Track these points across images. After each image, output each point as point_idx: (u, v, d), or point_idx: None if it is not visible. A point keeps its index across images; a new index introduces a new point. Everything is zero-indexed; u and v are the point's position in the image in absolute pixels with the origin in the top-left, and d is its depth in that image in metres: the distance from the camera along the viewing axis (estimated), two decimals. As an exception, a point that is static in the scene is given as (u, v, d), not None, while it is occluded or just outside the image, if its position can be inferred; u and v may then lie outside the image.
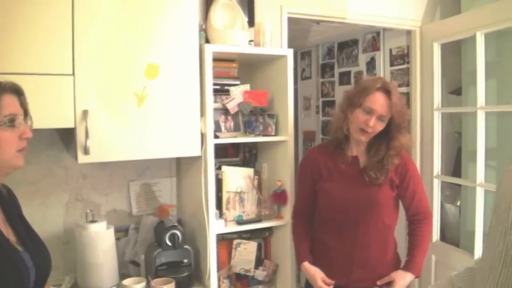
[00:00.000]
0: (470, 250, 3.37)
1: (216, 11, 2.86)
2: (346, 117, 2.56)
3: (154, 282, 2.54)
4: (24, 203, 1.85)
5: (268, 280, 3.07)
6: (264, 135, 2.96)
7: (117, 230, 2.82)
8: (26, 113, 1.64)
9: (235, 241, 3.02)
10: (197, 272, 2.84)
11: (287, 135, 2.97)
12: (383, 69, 4.56)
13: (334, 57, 5.43)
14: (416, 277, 2.62)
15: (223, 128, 2.89)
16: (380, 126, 2.48)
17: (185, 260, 2.76)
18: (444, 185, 3.88)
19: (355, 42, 5.05)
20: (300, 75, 6.07)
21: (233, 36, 2.80)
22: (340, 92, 4.86)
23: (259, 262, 3.07)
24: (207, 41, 2.82)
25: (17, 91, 1.62)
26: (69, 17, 2.30)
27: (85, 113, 2.33)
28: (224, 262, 3.01)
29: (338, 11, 3.56)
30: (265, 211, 2.99)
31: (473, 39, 3.33)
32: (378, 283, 2.56)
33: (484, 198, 3.28)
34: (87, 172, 2.88)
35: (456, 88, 3.96)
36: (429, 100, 3.83)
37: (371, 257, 2.57)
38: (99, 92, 2.38)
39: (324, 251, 2.67)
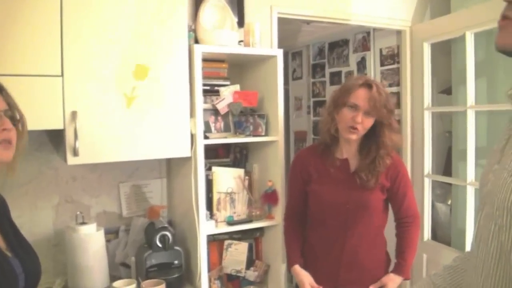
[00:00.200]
0: (461, 248, 3.38)
1: (205, 12, 2.85)
2: (333, 119, 2.56)
3: (145, 283, 2.53)
4: (14, 205, 1.83)
5: (259, 281, 3.06)
6: (254, 136, 2.96)
7: (107, 232, 2.80)
8: (11, 107, 1.62)
9: (226, 242, 3.02)
10: (188, 273, 2.83)
11: (277, 135, 2.96)
12: (374, 69, 4.57)
13: (325, 57, 5.44)
14: (405, 279, 2.64)
15: (213, 129, 2.88)
16: (368, 122, 2.47)
17: (176, 262, 2.75)
18: (435, 184, 3.90)
19: (345, 42, 5.06)
20: (291, 76, 6.07)
21: (222, 36, 2.79)
22: (331, 92, 4.87)
23: (250, 263, 3.07)
24: (197, 41, 2.81)
25: None
26: (57, 18, 2.28)
27: (74, 114, 2.32)
28: (215, 263, 3.00)
29: (328, 11, 3.56)
30: (256, 211, 2.98)
31: (462, 38, 3.35)
32: (371, 287, 2.57)
33: (474, 197, 3.29)
34: (77, 173, 2.86)
35: (446, 87, 3.97)
36: (420, 100, 3.85)
37: (360, 259, 2.57)
38: (88, 93, 2.37)
39: (312, 253, 2.67)
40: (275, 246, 3.03)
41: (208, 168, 2.91)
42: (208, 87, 2.90)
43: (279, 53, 2.95)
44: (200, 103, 2.68)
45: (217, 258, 3.02)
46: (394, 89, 4.21)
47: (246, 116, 2.97)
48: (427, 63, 3.79)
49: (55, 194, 2.82)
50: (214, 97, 2.94)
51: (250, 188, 3.06)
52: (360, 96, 2.46)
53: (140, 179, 3.07)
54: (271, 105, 3.00)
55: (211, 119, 2.89)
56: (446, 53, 3.85)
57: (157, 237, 2.65)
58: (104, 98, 2.41)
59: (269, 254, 3.11)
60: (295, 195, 2.76)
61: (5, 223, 1.69)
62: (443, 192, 4.02)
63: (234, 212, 2.99)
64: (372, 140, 2.54)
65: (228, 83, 3.01)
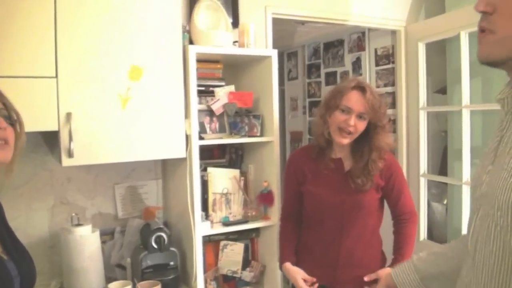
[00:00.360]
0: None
1: (199, 12, 2.86)
2: (325, 121, 2.53)
3: (140, 285, 2.53)
4: (9, 207, 1.82)
5: (255, 281, 3.06)
6: (249, 136, 2.95)
7: (102, 234, 2.80)
8: (6, 107, 1.61)
9: (222, 243, 3.01)
10: (183, 274, 2.83)
11: (272, 136, 2.96)
12: (369, 69, 4.57)
13: (320, 57, 5.45)
14: None
15: (208, 130, 2.88)
16: (361, 125, 2.46)
17: (172, 263, 2.74)
18: (431, 184, 3.90)
19: (340, 42, 5.07)
20: (287, 76, 6.08)
21: (217, 37, 2.79)
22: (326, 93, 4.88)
23: (246, 263, 3.06)
24: (191, 42, 2.81)
25: None
26: (51, 19, 2.28)
27: (68, 115, 2.32)
28: (211, 263, 3.00)
29: (323, 12, 3.57)
30: (251, 212, 2.98)
31: (457, 38, 3.35)
32: (365, 278, 2.56)
33: (470, 196, 3.29)
34: (72, 175, 2.86)
35: (441, 87, 3.98)
36: (415, 100, 3.85)
37: (357, 257, 2.57)
38: (83, 94, 2.36)
39: (309, 254, 2.67)
40: (271, 247, 3.03)
41: (204, 169, 2.91)
42: (203, 88, 2.90)
43: (274, 54, 2.95)
44: (195, 104, 2.68)
45: (213, 259, 3.01)
46: (389, 89, 4.22)
47: (241, 116, 2.97)
48: (422, 63, 3.79)
49: (50, 196, 2.82)
50: (209, 98, 2.94)
51: (245, 188, 3.06)
52: (352, 99, 2.44)
53: (135, 180, 3.06)
54: (266, 106, 3.00)
55: (206, 119, 2.88)
56: (441, 52, 3.86)
57: (153, 238, 2.65)
58: (99, 99, 2.41)
59: (265, 255, 3.11)
60: (290, 196, 2.76)
61: (0, 225, 1.69)
62: (439, 191, 4.02)
63: (230, 213, 2.99)
64: (365, 142, 2.52)
65: (223, 83, 3.01)
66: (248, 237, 3.11)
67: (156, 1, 2.54)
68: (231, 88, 2.99)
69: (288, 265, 2.65)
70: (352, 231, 2.55)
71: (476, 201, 1.25)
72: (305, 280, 2.57)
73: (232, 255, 3.01)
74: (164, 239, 2.67)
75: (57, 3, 2.28)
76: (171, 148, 2.63)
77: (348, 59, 4.93)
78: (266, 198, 2.99)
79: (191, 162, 2.67)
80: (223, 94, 2.93)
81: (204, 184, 2.89)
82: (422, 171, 3.81)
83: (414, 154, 3.88)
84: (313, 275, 2.59)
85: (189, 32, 2.84)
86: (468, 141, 3.35)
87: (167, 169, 3.09)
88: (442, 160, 4.07)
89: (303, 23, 4.54)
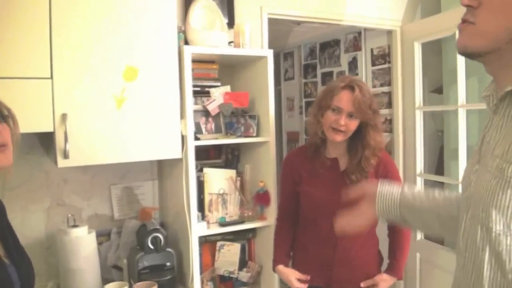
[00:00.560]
0: (454, 247, 3.38)
1: (195, 13, 2.85)
2: (318, 121, 2.56)
3: (137, 286, 2.52)
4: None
5: (252, 282, 3.06)
6: (245, 136, 2.95)
7: (99, 235, 2.80)
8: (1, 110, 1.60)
9: (219, 243, 3.01)
10: (180, 275, 2.83)
11: (268, 136, 2.96)
12: (365, 69, 4.58)
13: (316, 57, 5.45)
14: (398, 279, 2.66)
15: (204, 130, 2.88)
16: (352, 124, 2.47)
17: (168, 263, 2.74)
18: (427, 183, 3.90)
19: (337, 42, 5.07)
20: (283, 76, 6.08)
21: (212, 37, 2.79)
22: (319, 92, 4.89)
23: (243, 264, 3.07)
24: (187, 42, 2.81)
25: None
26: (46, 20, 2.27)
27: (64, 116, 2.31)
28: (208, 264, 3.00)
29: (318, 12, 3.57)
30: (248, 212, 2.98)
31: (453, 38, 3.35)
32: (362, 285, 2.58)
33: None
34: (68, 176, 2.85)
35: (438, 86, 3.98)
36: (411, 99, 3.85)
37: (352, 257, 2.57)
38: (78, 95, 2.36)
39: (304, 253, 2.68)
40: (267, 247, 3.02)
41: (200, 170, 2.90)
42: (198, 88, 2.90)
43: (270, 54, 2.95)
44: (191, 104, 2.67)
45: (209, 260, 3.01)
46: (385, 88, 4.22)
47: (237, 117, 2.97)
48: (418, 63, 3.79)
49: (46, 197, 2.81)
50: (204, 98, 2.94)
51: (242, 189, 3.06)
52: (343, 99, 2.46)
53: (131, 181, 3.06)
54: (262, 106, 3.00)
55: (202, 120, 2.88)
56: (436, 52, 3.86)
57: (149, 239, 2.64)
58: (94, 100, 2.40)
59: (262, 255, 3.11)
60: (286, 196, 2.77)
61: (4, 228, 1.68)
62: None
63: (226, 213, 2.99)
64: (358, 140, 2.54)
65: (218, 84, 3.00)
66: (245, 238, 3.11)
67: (151, 1, 2.54)
68: (227, 88, 2.99)
69: (281, 267, 2.67)
70: None
71: (465, 200, 1.25)
72: (300, 280, 2.59)
73: (228, 256, 3.01)
74: (160, 240, 2.66)
75: (52, 4, 2.28)
76: (167, 148, 2.62)
77: (344, 59, 4.93)
78: (262, 198, 2.99)
79: (187, 162, 2.66)
80: (218, 95, 2.93)
81: (200, 185, 2.89)
82: (418, 170, 3.81)
83: (410, 153, 3.89)
84: (309, 275, 2.60)
85: (184, 32, 2.84)
86: (464, 140, 3.35)
87: (163, 169, 3.08)
88: (439, 159, 4.07)
89: (299, 23, 4.55)
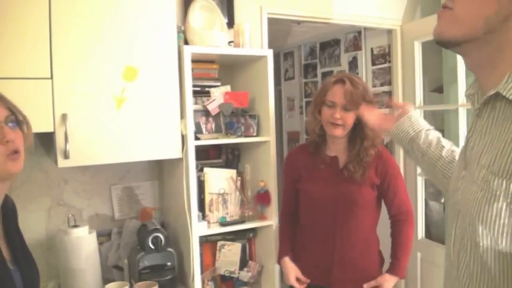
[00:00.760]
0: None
1: (194, 13, 2.85)
2: (316, 118, 2.61)
3: (138, 285, 2.52)
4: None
5: (253, 281, 3.06)
6: (245, 136, 2.95)
7: (99, 235, 2.80)
8: (12, 111, 1.60)
9: (219, 243, 3.01)
10: (181, 275, 2.83)
11: (269, 136, 2.96)
12: (365, 69, 4.58)
13: (316, 57, 5.45)
14: (401, 279, 2.66)
15: (204, 130, 2.87)
16: (348, 116, 2.50)
17: (169, 263, 2.74)
18: (428, 183, 3.90)
19: (337, 42, 5.07)
20: (284, 76, 6.08)
21: (212, 37, 2.79)
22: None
23: (243, 263, 3.06)
24: (186, 42, 2.81)
25: None
26: (46, 20, 2.27)
27: (64, 117, 2.31)
28: (209, 264, 3.00)
29: (318, 12, 3.57)
30: (248, 212, 2.98)
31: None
32: (365, 286, 2.59)
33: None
34: (68, 176, 2.86)
35: (438, 86, 3.98)
36: (411, 98, 3.85)
37: (352, 257, 2.58)
38: (78, 95, 2.36)
39: (305, 251, 2.69)
40: (268, 247, 3.03)
41: (200, 169, 2.90)
42: (198, 88, 2.90)
43: (269, 53, 2.95)
44: (191, 104, 2.67)
45: (210, 259, 3.01)
46: (385, 88, 4.23)
47: (237, 116, 2.97)
48: (418, 62, 3.79)
49: (46, 197, 2.81)
50: (204, 98, 2.94)
51: (242, 188, 3.06)
52: (335, 93, 2.51)
53: (131, 181, 3.06)
54: (263, 106, 3.00)
55: (202, 120, 2.88)
56: (437, 51, 3.86)
57: (150, 239, 2.65)
58: (94, 100, 2.40)
59: (263, 255, 3.11)
60: (288, 194, 2.81)
61: (13, 231, 1.67)
62: (436, 190, 4.02)
63: (227, 213, 2.99)
64: (357, 134, 2.57)
65: (218, 84, 3.00)
66: (245, 237, 3.11)
67: (151, 1, 2.54)
68: (227, 88, 2.99)
69: (286, 259, 2.72)
70: (346, 229, 2.56)
71: (454, 206, 1.22)
72: (298, 279, 2.63)
73: (229, 255, 3.01)
74: (161, 240, 2.66)
75: (52, 4, 2.28)
76: (167, 148, 2.62)
77: (345, 58, 4.93)
78: (263, 198, 2.99)
79: (187, 162, 2.66)
80: (218, 94, 2.93)
81: (201, 185, 2.89)
82: (419, 170, 3.80)
83: (411, 153, 3.88)
84: (309, 275, 2.62)
85: (184, 32, 2.84)
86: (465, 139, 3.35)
87: (164, 169, 3.08)
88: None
89: (298, 22, 4.54)
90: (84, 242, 2.58)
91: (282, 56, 6.10)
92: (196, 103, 2.87)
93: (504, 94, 1.05)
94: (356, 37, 4.73)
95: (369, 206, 2.58)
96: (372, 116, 2.15)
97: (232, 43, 2.99)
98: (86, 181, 2.92)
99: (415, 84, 3.80)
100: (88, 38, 2.38)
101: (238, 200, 3.02)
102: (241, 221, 2.97)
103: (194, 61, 2.74)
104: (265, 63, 2.94)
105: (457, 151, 1.65)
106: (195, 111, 2.78)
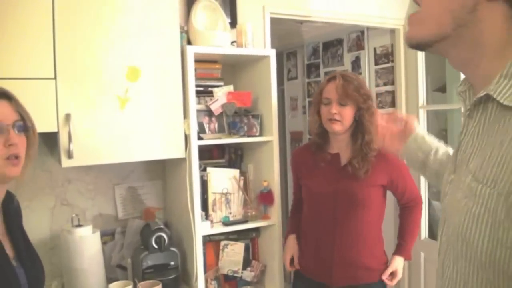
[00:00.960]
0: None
1: (197, 13, 2.86)
2: (315, 118, 2.67)
3: (141, 285, 2.53)
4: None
5: (256, 281, 3.06)
6: (248, 136, 2.96)
7: (103, 234, 2.81)
8: (22, 116, 1.60)
9: (222, 243, 3.01)
10: (184, 274, 2.84)
11: (272, 136, 2.96)
12: (368, 68, 4.57)
13: (319, 57, 5.44)
14: (406, 260, 2.76)
15: (207, 130, 2.88)
16: (346, 112, 2.54)
17: (172, 263, 2.75)
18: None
19: (339, 41, 5.06)
20: (286, 76, 6.07)
21: (215, 37, 2.80)
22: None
23: (247, 263, 3.06)
24: (189, 42, 2.82)
25: (6, 96, 1.59)
26: (49, 21, 2.28)
27: (67, 116, 2.32)
28: (212, 263, 3.00)
29: (320, 11, 3.57)
30: (251, 211, 2.98)
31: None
32: (383, 277, 2.66)
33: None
34: (72, 176, 2.87)
35: (441, 85, 3.98)
36: (414, 98, 3.85)
37: (353, 256, 2.59)
38: (81, 95, 2.37)
39: (307, 249, 2.73)
40: (271, 246, 3.04)
41: (203, 169, 2.91)
42: (201, 88, 2.90)
43: (272, 53, 2.95)
44: (194, 104, 2.68)
45: (213, 259, 3.02)
46: (388, 88, 4.22)
47: (240, 116, 2.97)
48: (421, 62, 3.80)
49: (50, 197, 2.82)
50: (207, 98, 2.94)
51: (245, 188, 3.06)
52: (329, 90, 2.58)
53: (135, 181, 3.07)
54: (265, 105, 3.01)
55: (205, 120, 2.89)
56: (440, 51, 3.86)
57: (153, 238, 2.65)
58: (98, 101, 2.41)
59: (266, 254, 3.12)
60: (295, 190, 2.92)
61: (16, 229, 1.68)
62: (439, 190, 4.02)
63: (230, 213, 2.99)
64: (358, 129, 2.60)
65: (221, 83, 3.01)
66: (249, 237, 3.12)
67: (154, 1, 2.55)
68: (230, 88, 2.99)
69: (291, 237, 2.88)
70: (347, 226, 2.58)
71: (443, 211, 1.17)
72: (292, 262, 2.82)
73: (232, 255, 3.02)
74: (164, 239, 2.67)
75: (55, 5, 2.29)
76: (170, 148, 2.63)
77: (347, 58, 4.92)
78: (266, 197, 2.99)
79: (191, 162, 2.67)
80: (221, 94, 2.93)
81: (204, 184, 2.89)
82: (422, 169, 3.80)
83: (414, 152, 3.88)
84: (311, 272, 2.69)
85: (187, 32, 2.85)
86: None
87: (167, 169, 3.09)
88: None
89: (301, 22, 4.54)
90: (87, 242, 2.58)
91: (285, 56, 6.10)
92: (199, 103, 2.88)
93: (494, 96, 0.96)
94: (359, 36, 4.72)
95: (371, 204, 2.59)
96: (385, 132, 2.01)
97: (235, 43, 2.99)
98: (89, 181, 2.93)
99: (418, 84, 3.80)
100: (92, 38, 2.39)
101: (241, 200, 3.03)
102: (244, 220, 2.97)
103: (197, 61, 2.74)
104: (267, 63, 2.95)
105: None
106: (198, 111, 2.79)
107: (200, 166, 2.75)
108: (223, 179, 2.97)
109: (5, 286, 1.49)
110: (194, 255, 2.71)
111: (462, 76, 1.14)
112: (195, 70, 2.70)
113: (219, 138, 2.87)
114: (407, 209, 2.74)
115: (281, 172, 3.04)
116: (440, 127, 4.15)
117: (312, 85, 5.56)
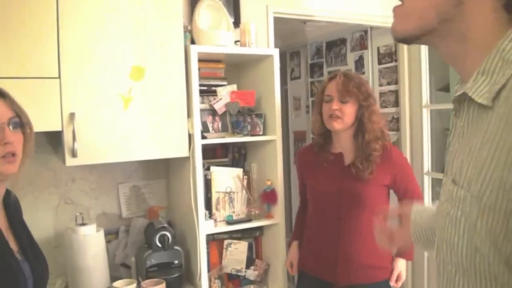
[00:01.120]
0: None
1: (201, 12, 2.87)
2: (318, 116, 2.68)
3: (145, 283, 2.54)
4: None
5: (259, 280, 3.07)
6: (252, 135, 2.96)
7: (107, 233, 2.81)
8: (17, 113, 1.60)
9: (226, 241, 3.02)
10: (188, 273, 2.84)
11: (275, 135, 2.97)
12: (371, 68, 4.57)
13: (322, 56, 5.44)
14: (408, 260, 2.80)
15: (211, 129, 2.89)
16: (347, 108, 2.55)
17: (176, 261, 2.75)
18: (435, 182, 3.89)
19: (343, 41, 5.06)
20: (290, 75, 6.07)
21: (218, 36, 2.80)
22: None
23: (250, 262, 3.07)
24: (193, 42, 2.83)
25: (0, 94, 1.59)
26: (54, 20, 2.29)
27: (72, 116, 2.33)
28: (215, 262, 3.01)
29: (324, 11, 3.57)
30: (255, 210, 2.99)
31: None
32: (391, 283, 2.68)
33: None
34: (76, 175, 2.87)
35: (444, 84, 3.98)
36: (418, 97, 3.85)
37: (357, 255, 2.58)
38: (86, 94, 2.38)
39: (311, 248, 2.73)
40: (275, 245, 3.04)
41: (207, 168, 2.91)
42: (205, 87, 2.91)
43: (275, 53, 2.96)
44: (197, 103, 2.69)
45: (217, 258, 3.02)
46: (392, 87, 4.22)
47: (243, 115, 2.98)
48: (424, 61, 3.79)
49: (54, 196, 2.83)
50: (211, 97, 2.95)
51: (249, 187, 3.07)
52: (330, 88, 2.60)
53: (139, 179, 3.07)
54: (269, 105, 3.01)
55: (209, 119, 2.89)
56: (443, 50, 3.85)
57: (157, 237, 2.66)
58: (102, 100, 2.42)
59: (269, 253, 3.12)
60: (301, 190, 2.92)
61: (18, 224, 1.70)
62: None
63: (233, 212, 3.00)
64: (359, 128, 2.60)
65: (225, 83, 3.02)
66: (252, 236, 3.12)
67: (157, 1, 2.55)
68: (233, 87, 3.00)
69: (294, 244, 2.89)
70: (351, 226, 2.58)
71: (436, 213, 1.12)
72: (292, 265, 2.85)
73: (236, 254, 3.02)
74: (168, 238, 2.68)
75: (59, 4, 2.30)
76: (174, 147, 2.64)
77: (351, 57, 4.92)
78: (269, 196, 3.00)
79: (194, 161, 2.68)
80: (225, 93, 2.94)
81: (208, 183, 2.90)
82: (426, 169, 3.81)
83: (417, 152, 3.88)
84: (316, 271, 2.68)
85: (190, 32, 2.85)
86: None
87: (171, 168, 3.10)
88: (446, 158, 4.06)
89: (304, 22, 4.54)
90: (91, 240, 2.59)
91: (288, 56, 6.10)
92: (202, 102, 2.88)
93: (470, 94, 0.93)
94: (362, 36, 4.72)
95: (375, 204, 2.58)
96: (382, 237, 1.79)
97: (238, 43, 3.00)
98: (93, 180, 2.94)
99: (421, 83, 3.80)
100: (96, 37, 2.40)
101: (244, 199, 3.04)
102: (248, 219, 2.98)
103: (201, 60, 2.75)
104: (271, 62, 2.95)
105: None
106: (202, 110, 2.79)
107: (203, 165, 2.75)
108: (226, 178, 2.98)
109: (11, 279, 1.51)
110: (198, 254, 2.71)
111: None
112: (199, 69, 2.71)
113: (223, 137, 2.88)
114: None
115: (285, 171, 3.04)
116: (443, 126, 4.14)
117: (316, 84, 5.56)
